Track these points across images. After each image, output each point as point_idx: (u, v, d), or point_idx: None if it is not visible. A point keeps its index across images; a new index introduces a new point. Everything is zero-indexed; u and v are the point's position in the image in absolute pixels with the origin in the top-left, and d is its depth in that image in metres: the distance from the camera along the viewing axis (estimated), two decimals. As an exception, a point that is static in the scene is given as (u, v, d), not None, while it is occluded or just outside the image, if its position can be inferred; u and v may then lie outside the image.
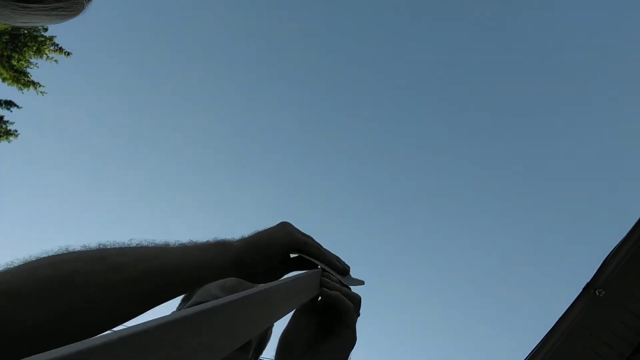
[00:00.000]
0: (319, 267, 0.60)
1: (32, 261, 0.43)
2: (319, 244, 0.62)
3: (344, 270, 0.61)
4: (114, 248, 0.48)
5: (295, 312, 0.58)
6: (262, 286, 0.40)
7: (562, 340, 3.98)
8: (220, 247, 0.55)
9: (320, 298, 0.57)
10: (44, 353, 0.18)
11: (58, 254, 0.45)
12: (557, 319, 4.07)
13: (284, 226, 0.60)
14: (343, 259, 0.63)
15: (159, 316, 0.24)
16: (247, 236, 0.59)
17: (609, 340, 3.96)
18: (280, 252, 0.58)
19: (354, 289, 0.61)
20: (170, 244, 0.53)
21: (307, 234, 0.62)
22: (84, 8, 0.65)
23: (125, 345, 0.20)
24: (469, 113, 15.96)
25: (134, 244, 0.51)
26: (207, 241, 0.56)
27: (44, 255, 0.44)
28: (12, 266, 0.42)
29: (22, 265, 0.42)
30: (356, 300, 0.57)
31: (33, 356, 0.18)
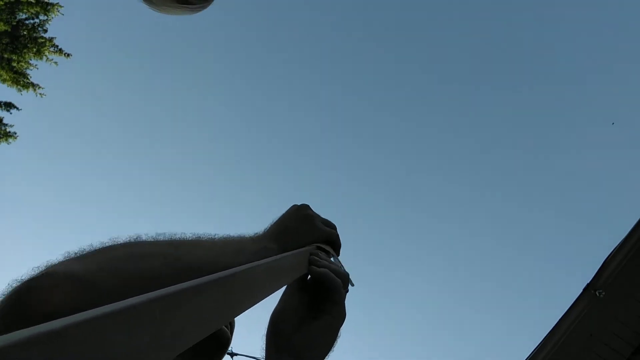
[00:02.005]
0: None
1: (108, 249, 0.41)
2: (337, 235, 0.65)
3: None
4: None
5: (284, 291, 0.59)
6: (249, 264, 0.40)
7: (563, 341, 3.98)
8: (254, 243, 0.55)
9: (309, 276, 0.58)
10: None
11: (132, 244, 0.43)
12: (558, 319, 4.06)
13: (308, 218, 0.62)
14: (347, 255, 0.66)
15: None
16: (268, 229, 0.60)
17: (609, 340, 3.95)
18: (307, 243, 0.60)
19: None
20: (206, 239, 0.52)
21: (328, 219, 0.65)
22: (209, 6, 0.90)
23: (104, 322, 0.20)
24: (472, 111, 15.98)
25: (177, 237, 0.49)
26: (238, 236, 0.56)
27: (117, 243, 0.43)
28: (88, 250, 0.40)
29: (99, 252, 0.41)
30: (344, 277, 0.58)
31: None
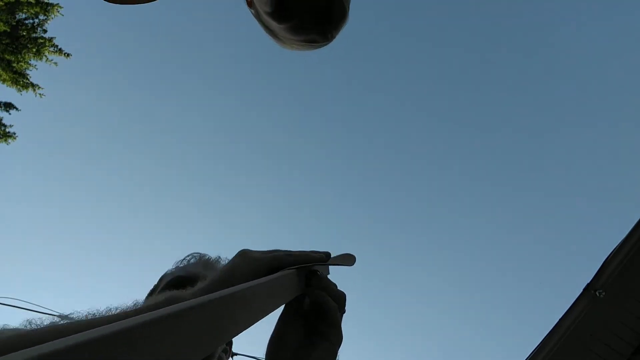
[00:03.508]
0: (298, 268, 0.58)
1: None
2: (287, 251, 0.58)
3: (324, 258, 0.59)
4: (62, 326, 0.44)
5: (282, 313, 0.57)
6: (242, 285, 0.39)
7: (563, 342, 3.98)
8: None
9: (305, 298, 0.57)
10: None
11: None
12: (557, 320, 4.06)
13: (244, 255, 0.56)
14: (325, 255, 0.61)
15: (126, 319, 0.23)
16: (207, 280, 0.54)
17: (609, 341, 3.95)
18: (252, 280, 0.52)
19: (341, 284, 0.61)
20: (113, 310, 0.47)
21: (270, 249, 0.59)
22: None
23: (92, 348, 0.20)
24: (467, 114, 15.99)
25: (80, 316, 0.46)
26: (158, 301, 0.49)
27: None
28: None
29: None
30: (340, 298, 0.57)
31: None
